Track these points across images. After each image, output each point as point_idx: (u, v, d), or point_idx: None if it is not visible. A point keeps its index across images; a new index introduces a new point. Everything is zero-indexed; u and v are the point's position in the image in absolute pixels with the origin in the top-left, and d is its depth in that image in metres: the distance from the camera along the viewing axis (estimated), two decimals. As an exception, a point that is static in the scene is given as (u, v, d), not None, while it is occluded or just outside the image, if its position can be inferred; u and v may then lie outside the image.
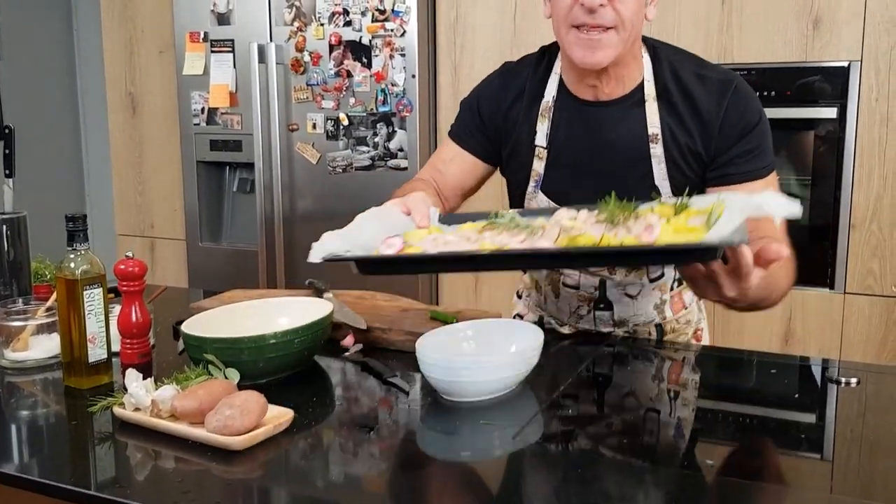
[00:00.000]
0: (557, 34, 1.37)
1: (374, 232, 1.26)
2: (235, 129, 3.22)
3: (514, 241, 1.17)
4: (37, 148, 4.36)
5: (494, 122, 1.54)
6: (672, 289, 1.60)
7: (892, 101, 2.44)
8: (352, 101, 2.99)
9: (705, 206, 1.12)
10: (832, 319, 2.59)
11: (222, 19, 3.16)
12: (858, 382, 1.34)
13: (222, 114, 3.23)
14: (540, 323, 1.70)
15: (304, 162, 3.12)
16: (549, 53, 1.52)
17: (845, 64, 2.47)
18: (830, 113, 2.49)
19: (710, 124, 1.38)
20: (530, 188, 1.51)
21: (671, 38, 2.64)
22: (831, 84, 2.50)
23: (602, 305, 1.60)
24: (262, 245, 3.20)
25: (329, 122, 3.05)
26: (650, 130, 1.40)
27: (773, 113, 2.57)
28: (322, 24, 2.99)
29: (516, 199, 1.59)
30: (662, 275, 1.56)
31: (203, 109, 3.26)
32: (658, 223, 1.10)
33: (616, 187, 1.23)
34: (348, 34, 2.96)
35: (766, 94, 2.57)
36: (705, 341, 1.70)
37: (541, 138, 1.47)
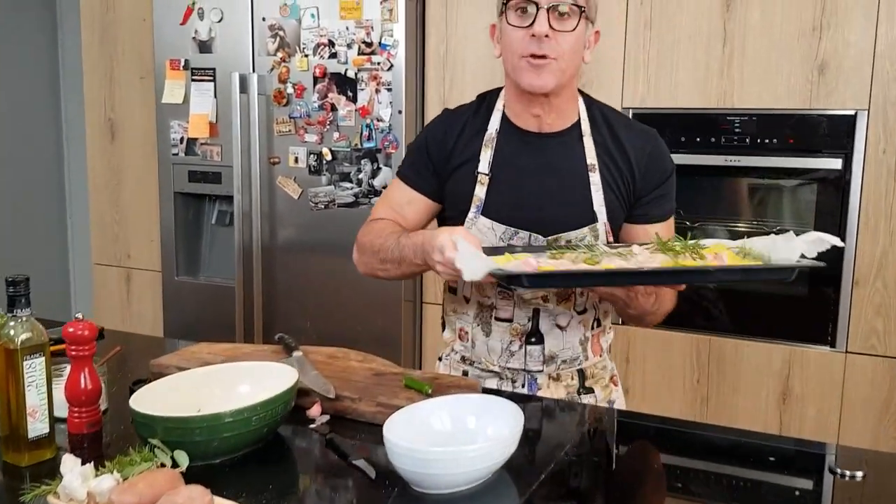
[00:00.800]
0: (508, 65, 1.53)
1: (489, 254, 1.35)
2: (215, 160, 3.09)
3: (621, 265, 1.31)
4: (18, 171, 4.23)
5: (441, 160, 1.63)
6: (592, 328, 1.66)
7: (899, 153, 2.33)
8: (336, 135, 2.87)
9: (760, 248, 1.35)
10: (832, 379, 2.47)
11: (204, 47, 3.05)
12: (864, 476, 1.21)
13: (202, 144, 3.11)
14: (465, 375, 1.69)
15: (285, 197, 2.99)
16: (488, 95, 1.66)
17: (851, 112, 2.37)
18: (835, 163, 2.38)
19: (636, 167, 1.57)
20: (471, 214, 1.57)
21: (669, 80, 2.54)
22: (836, 133, 2.39)
23: (534, 339, 1.62)
24: (239, 281, 3.07)
25: (312, 156, 2.93)
26: (588, 160, 1.56)
27: (773, 161, 2.48)
28: (306, 56, 2.88)
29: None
30: (586, 310, 1.64)
31: (182, 139, 3.13)
32: (724, 255, 1.34)
33: (558, 211, 1.53)
34: (333, 66, 2.85)
35: (767, 141, 2.47)
36: (620, 388, 1.75)
37: (483, 165, 1.57)
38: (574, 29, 1.47)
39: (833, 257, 2.42)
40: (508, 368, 1.64)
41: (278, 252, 3.04)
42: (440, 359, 1.78)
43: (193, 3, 3.03)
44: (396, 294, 2.88)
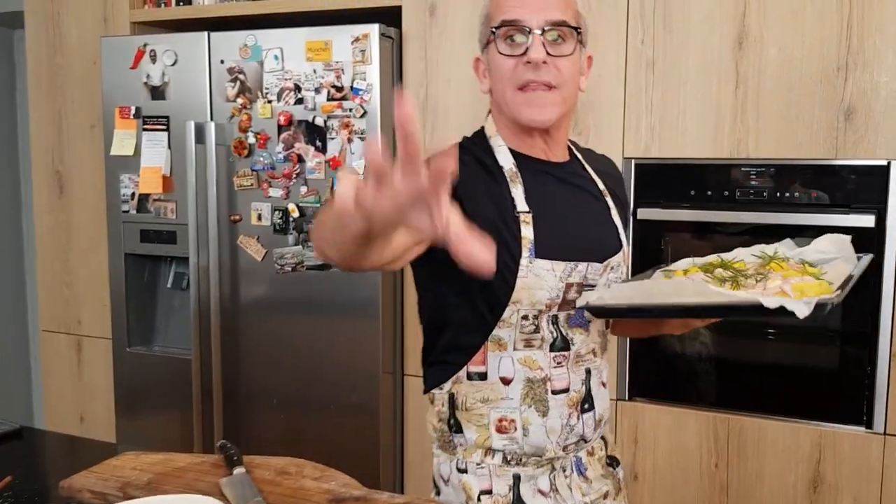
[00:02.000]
0: (502, 100, 1.37)
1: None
2: (169, 217, 2.78)
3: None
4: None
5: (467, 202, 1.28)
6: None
7: (941, 209, 2.05)
8: (303, 189, 2.57)
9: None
10: (870, 465, 2.16)
11: (156, 93, 2.75)
12: None
13: (155, 200, 2.80)
14: (517, 484, 1.39)
15: (247, 258, 2.68)
16: (472, 140, 1.44)
17: (884, 163, 2.09)
18: (867, 220, 2.09)
19: (620, 185, 1.55)
20: (524, 260, 1.32)
21: (675, 127, 2.26)
22: (867, 186, 2.11)
23: (587, 405, 1.41)
24: (195, 353, 2.74)
25: (277, 213, 2.62)
26: (599, 185, 1.47)
27: (795, 219, 2.18)
28: (270, 102, 2.59)
29: (495, 287, 1.32)
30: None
31: (133, 195, 2.82)
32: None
33: (598, 237, 1.42)
34: (300, 113, 2.55)
35: (787, 195, 2.18)
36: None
37: (521, 203, 1.35)
38: (571, 53, 1.34)
39: (864, 327, 2.13)
40: (565, 448, 1.40)
41: (241, 320, 2.72)
42: (463, 470, 1.41)
43: (144, 45, 2.74)
44: (374, 366, 2.56)
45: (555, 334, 1.36)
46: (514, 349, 1.33)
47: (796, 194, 2.18)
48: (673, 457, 2.36)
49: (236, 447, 1.48)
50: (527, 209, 1.34)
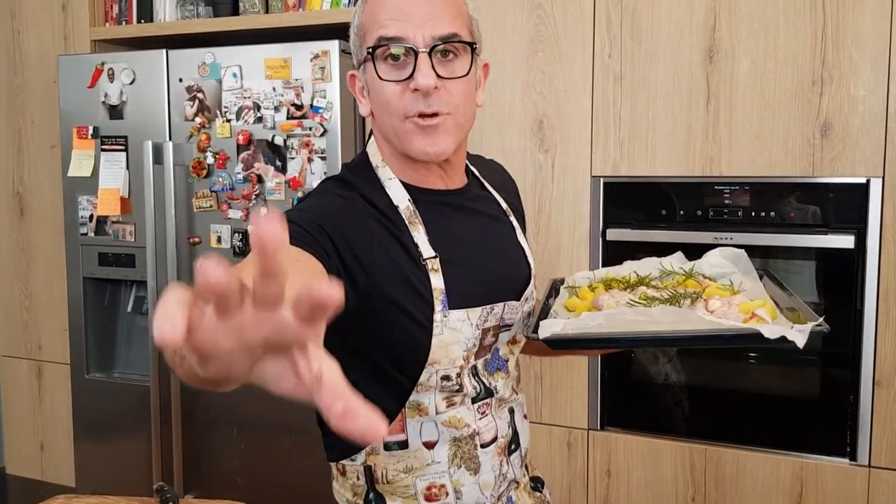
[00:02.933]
0: (389, 129, 1.16)
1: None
2: (128, 240, 2.69)
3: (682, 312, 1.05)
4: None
5: (344, 252, 1.10)
6: None
7: (923, 228, 1.95)
8: (263, 210, 2.47)
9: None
10: (854, 498, 2.04)
11: (114, 112, 2.66)
12: None
13: (113, 223, 2.70)
14: None
15: (207, 282, 2.57)
16: (358, 168, 1.22)
17: (863, 181, 1.99)
18: (846, 241, 1.99)
19: (516, 194, 1.39)
20: (437, 315, 1.14)
21: (644, 143, 2.16)
22: (846, 205, 2.01)
23: (513, 446, 1.28)
24: (154, 379, 2.63)
25: (236, 235, 2.52)
26: (502, 204, 1.32)
27: (771, 239, 2.08)
28: (229, 121, 2.50)
29: (407, 349, 1.14)
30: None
31: (91, 217, 2.73)
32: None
33: (509, 269, 1.25)
34: (259, 132, 2.46)
35: (763, 215, 2.08)
36: None
37: (425, 249, 1.15)
38: (466, 73, 1.14)
39: (846, 351, 2.02)
40: (499, 497, 1.27)
41: (201, 346, 2.61)
42: None
43: (102, 64, 2.65)
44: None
45: (478, 388, 1.21)
46: (437, 412, 1.18)
47: (772, 214, 2.07)
48: (648, 489, 2.25)
49: (173, 491, 1.40)
50: (433, 254, 1.15)
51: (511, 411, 1.27)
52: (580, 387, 2.30)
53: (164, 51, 2.58)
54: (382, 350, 1.14)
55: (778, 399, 2.14)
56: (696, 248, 2.13)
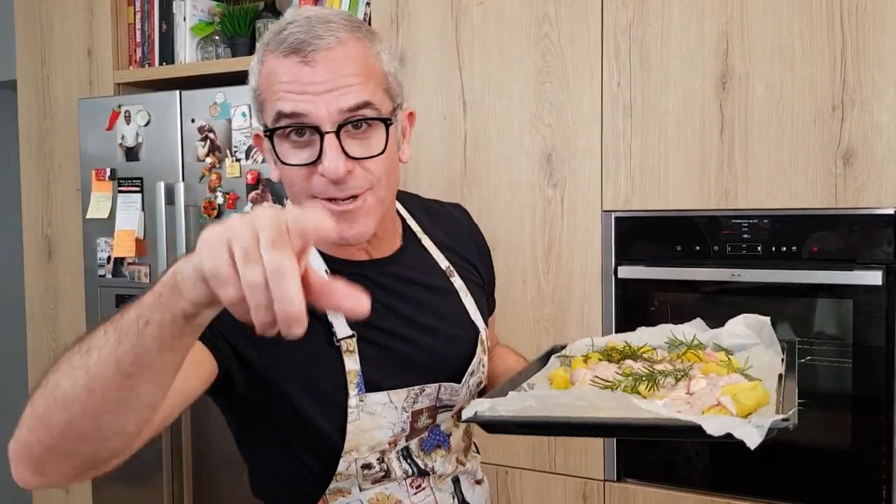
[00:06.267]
0: (297, 204, 1.02)
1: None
2: (143, 282, 2.68)
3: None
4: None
5: (248, 347, 1.00)
6: None
7: (960, 263, 1.78)
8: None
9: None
10: (893, 560, 1.86)
11: (131, 154, 2.68)
12: None
13: (129, 264, 2.70)
14: None
15: (219, 323, 2.54)
16: None
17: (891, 211, 1.84)
18: (874, 277, 1.83)
19: (474, 246, 1.29)
20: (353, 400, 1.02)
21: (656, 176, 2.05)
22: (873, 238, 1.86)
23: None
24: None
25: (246, 276, 2.49)
26: (442, 266, 1.19)
27: (792, 276, 1.92)
28: (238, 160, 2.48)
29: (320, 434, 1.04)
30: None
31: (109, 258, 2.73)
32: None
33: (447, 342, 1.13)
34: (267, 171, 2.44)
35: (783, 250, 1.94)
36: None
37: (341, 329, 1.03)
38: (384, 150, 1.00)
39: (877, 396, 1.86)
40: None
41: (213, 389, 2.57)
42: None
43: (119, 106, 2.68)
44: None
45: (411, 469, 1.09)
46: (362, 490, 1.07)
47: (793, 248, 1.93)
48: (668, 546, 2.09)
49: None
50: (349, 333, 1.03)
51: (455, 481, 1.14)
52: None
53: (177, 92, 2.59)
54: (297, 435, 1.04)
55: (805, 448, 1.97)
56: (712, 286, 2.02)
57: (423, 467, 1.10)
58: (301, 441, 1.05)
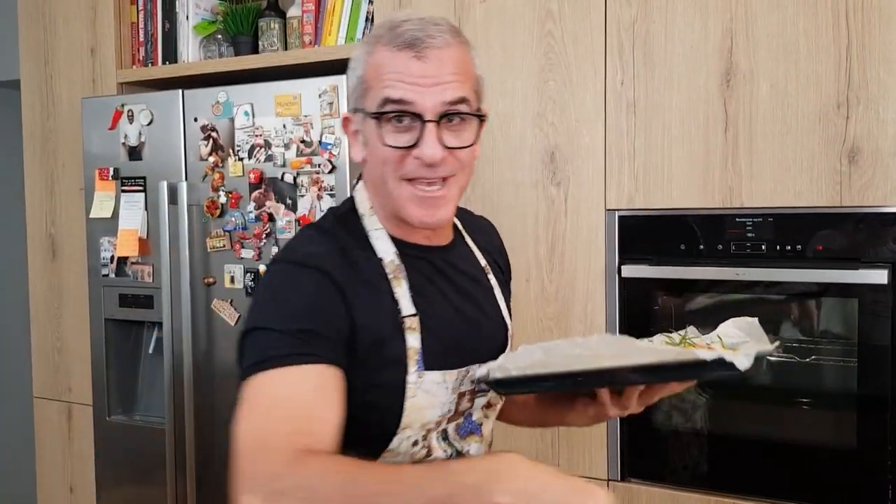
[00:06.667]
0: (381, 185, 1.13)
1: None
2: (146, 281, 2.68)
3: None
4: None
5: (346, 326, 1.08)
6: None
7: (966, 261, 1.77)
8: (274, 250, 2.43)
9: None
10: (899, 561, 1.85)
11: (134, 153, 2.67)
12: None
13: (132, 263, 2.70)
14: None
15: (222, 323, 2.54)
16: (343, 216, 1.19)
17: (896, 210, 1.83)
18: (880, 276, 1.82)
19: (501, 254, 1.39)
20: (412, 376, 1.10)
21: (660, 174, 2.04)
22: (878, 236, 1.84)
23: None
24: (170, 422, 2.60)
25: (248, 274, 2.48)
26: (482, 262, 1.30)
27: (797, 275, 1.91)
28: (241, 159, 2.47)
29: (379, 411, 1.11)
30: None
31: (112, 258, 2.73)
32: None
33: (486, 331, 1.23)
34: (270, 170, 2.43)
35: (788, 248, 1.92)
36: None
37: (406, 306, 1.12)
38: (473, 143, 1.12)
39: (883, 396, 1.84)
40: None
41: (216, 388, 2.57)
42: None
43: (122, 106, 2.68)
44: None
45: (448, 451, 1.16)
46: None
47: (798, 247, 1.92)
48: (673, 546, 2.08)
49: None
50: (413, 311, 1.12)
51: None
52: (599, 432, 2.16)
53: (179, 91, 2.58)
54: (354, 413, 1.06)
55: (810, 448, 1.96)
56: (715, 285, 2.01)
57: (460, 450, 1.17)
58: (358, 423, 1.06)
